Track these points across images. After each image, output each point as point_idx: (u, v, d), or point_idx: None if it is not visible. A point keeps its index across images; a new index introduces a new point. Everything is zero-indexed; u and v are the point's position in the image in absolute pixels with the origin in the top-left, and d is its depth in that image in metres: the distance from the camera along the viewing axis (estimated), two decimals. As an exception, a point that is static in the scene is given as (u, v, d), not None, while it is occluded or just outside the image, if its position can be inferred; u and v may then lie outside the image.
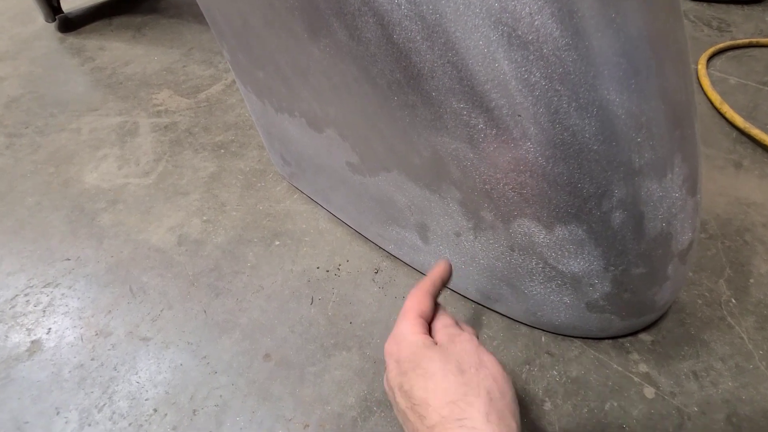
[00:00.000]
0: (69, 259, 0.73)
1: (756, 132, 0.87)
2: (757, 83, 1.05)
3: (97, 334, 0.63)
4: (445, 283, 0.43)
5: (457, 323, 0.40)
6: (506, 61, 0.37)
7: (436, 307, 0.41)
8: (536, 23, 0.35)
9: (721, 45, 1.16)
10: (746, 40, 1.17)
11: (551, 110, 0.38)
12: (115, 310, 0.66)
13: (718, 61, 1.13)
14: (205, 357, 0.60)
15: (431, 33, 0.38)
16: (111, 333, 0.63)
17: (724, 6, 1.36)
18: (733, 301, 0.64)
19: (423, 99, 0.42)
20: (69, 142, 0.95)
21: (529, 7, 0.35)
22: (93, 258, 0.72)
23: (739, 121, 0.91)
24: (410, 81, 0.42)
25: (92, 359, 0.60)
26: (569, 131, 0.39)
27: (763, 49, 1.17)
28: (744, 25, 1.27)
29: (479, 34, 0.36)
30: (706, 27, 1.27)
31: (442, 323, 0.39)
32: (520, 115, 0.39)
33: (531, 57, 0.36)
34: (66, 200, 0.83)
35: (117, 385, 0.57)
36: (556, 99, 0.37)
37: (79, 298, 0.67)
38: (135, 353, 0.61)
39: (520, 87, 0.37)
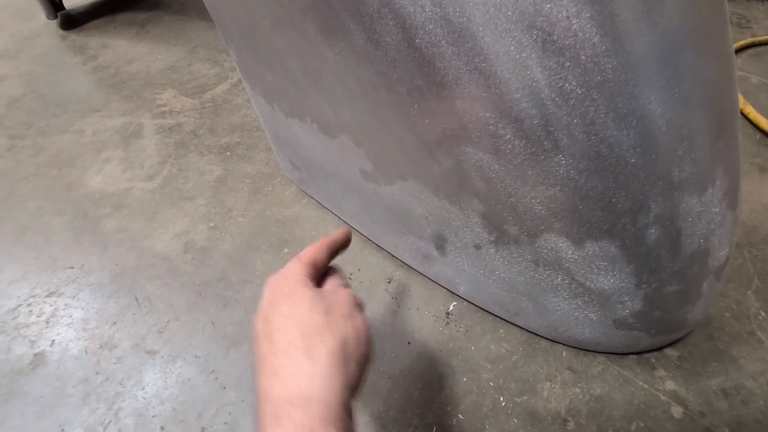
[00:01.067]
0: (72, 267, 0.71)
1: (782, 134, 0.84)
2: (780, 82, 1.01)
3: (101, 347, 0.61)
4: (345, 246, 0.44)
5: (347, 285, 0.41)
6: (539, 69, 0.34)
7: (330, 268, 0.42)
8: (574, 27, 0.32)
9: (742, 42, 1.12)
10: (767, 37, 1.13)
11: (587, 121, 0.35)
12: (121, 321, 0.64)
13: (738, 59, 1.09)
14: (213, 371, 0.58)
15: (458, 37, 0.35)
16: (116, 345, 0.61)
17: (744, 2, 1.31)
18: (763, 313, 0.61)
19: (446, 107, 0.39)
20: (71, 144, 0.93)
21: (567, 10, 0.32)
22: (97, 266, 0.70)
23: (764, 122, 0.87)
24: (432, 88, 0.39)
25: (97, 373, 0.58)
26: (605, 143, 0.36)
27: (786, 47, 1.13)
28: (765, 21, 1.22)
29: (511, 39, 0.33)
30: (726, 23, 1.23)
31: (332, 280, 0.40)
32: (552, 126, 0.36)
33: (567, 64, 0.33)
34: (69, 205, 0.80)
35: (123, 401, 0.56)
36: (592, 109, 0.35)
37: (83, 309, 0.65)
38: (141, 367, 0.59)
39: (553, 96, 0.35)
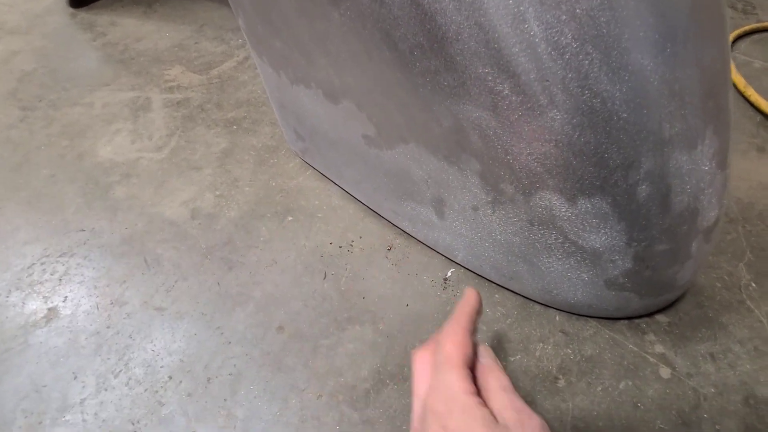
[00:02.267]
0: (84, 230, 0.73)
1: (782, 116, 0.85)
2: (783, 67, 1.02)
3: (112, 303, 0.63)
4: (479, 314, 0.37)
5: (511, 384, 0.32)
6: (536, 22, 0.35)
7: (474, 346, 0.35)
8: (570, -19, 0.34)
9: (747, 27, 1.12)
10: (773, 23, 1.13)
11: (581, 75, 0.37)
12: (130, 280, 0.66)
13: (743, 44, 1.10)
14: (219, 327, 0.60)
15: (459, -8, 0.36)
16: (126, 302, 0.63)
17: (750, -13, 1.31)
18: (753, 285, 0.63)
19: (446, 64, 0.41)
20: (82, 116, 0.95)
21: (564, -37, 0.33)
22: (107, 230, 0.73)
23: (764, 104, 0.88)
24: (434, 45, 0.40)
25: (108, 327, 0.61)
26: (599, 98, 0.37)
27: (791, 32, 1.13)
28: (771, 7, 1.22)
29: (509, -8, 0.35)
30: (731, 9, 1.23)
31: (496, 380, 0.31)
32: (548, 80, 0.37)
33: (563, 17, 0.35)
34: (80, 173, 0.83)
35: (133, 353, 0.58)
36: (587, 63, 0.36)
37: (94, 268, 0.68)
38: (150, 322, 0.61)
39: (549, 50, 0.36)
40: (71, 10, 1.31)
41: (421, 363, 0.34)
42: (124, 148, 0.87)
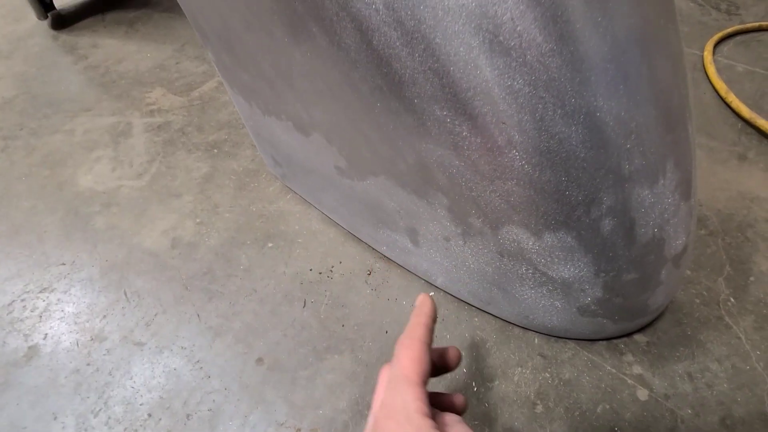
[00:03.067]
0: (64, 264, 0.73)
1: (762, 122, 0.85)
2: (765, 70, 1.01)
3: (92, 339, 0.64)
4: (434, 322, 0.36)
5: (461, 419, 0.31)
6: (489, 68, 0.35)
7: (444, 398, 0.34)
8: (518, 29, 0.33)
9: (729, 30, 1.11)
10: (756, 24, 1.13)
11: (536, 118, 0.37)
12: (110, 314, 0.66)
13: (725, 47, 1.09)
14: (198, 361, 0.60)
15: (411, 39, 0.36)
16: (106, 338, 0.64)
17: (733, -13, 1.30)
18: (732, 300, 0.63)
19: (405, 106, 0.41)
20: (63, 144, 0.95)
21: (511, 12, 0.33)
22: (88, 262, 0.73)
23: (745, 111, 0.88)
24: (392, 87, 0.40)
25: (88, 364, 0.61)
26: (555, 138, 0.37)
27: (773, 33, 1.12)
28: (754, 7, 1.22)
29: (460, 40, 0.35)
30: (714, 10, 1.22)
31: (451, 417, 0.30)
32: (504, 123, 0.37)
33: (514, 64, 0.35)
34: (61, 203, 0.83)
35: (112, 390, 0.58)
36: (540, 106, 0.36)
37: (74, 303, 0.68)
38: (130, 358, 0.61)
39: (503, 94, 0.36)
40: (53, 32, 1.31)
41: (381, 377, 0.33)
42: (105, 176, 0.87)
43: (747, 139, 0.86)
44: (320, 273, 0.69)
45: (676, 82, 0.39)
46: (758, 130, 0.86)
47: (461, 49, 0.35)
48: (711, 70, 1.00)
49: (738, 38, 1.13)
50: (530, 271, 0.49)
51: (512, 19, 0.33)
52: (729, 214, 0.73)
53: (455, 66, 0.36)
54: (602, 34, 0.34)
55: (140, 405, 0.57)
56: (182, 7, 0.59)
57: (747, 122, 0.88)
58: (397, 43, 0.37)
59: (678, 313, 0.62)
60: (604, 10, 0.34)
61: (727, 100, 0.93)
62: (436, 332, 0.61)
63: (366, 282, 0.68)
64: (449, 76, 0.37)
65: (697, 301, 0.63)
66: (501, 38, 0.34)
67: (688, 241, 0.48)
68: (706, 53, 1.05)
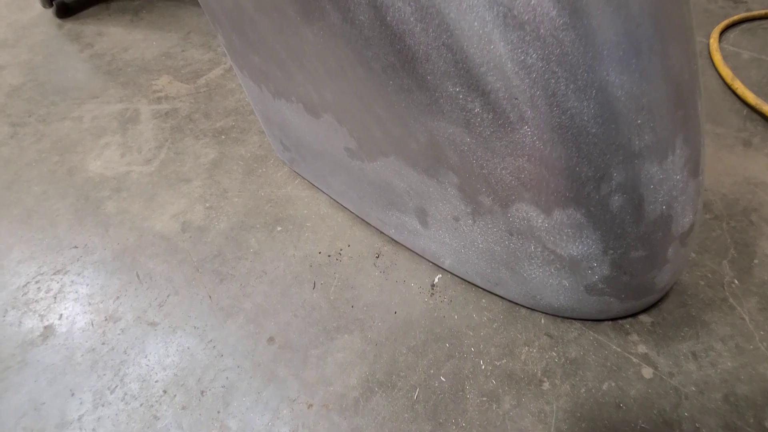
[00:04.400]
0: (77, 247, 0.74)
1: (767, 109, 0.85)
2: (771, 57, 1.01)
3: (106, 320, 0.65)
4: None
5: None
6: (502, 43, 0.36)
7: None
8: (533, 2, 0.34)
9: (736, 17, 1.11)
10: (762, 12, 1.12)
11: (549, 93, 0.37)
12: (123, 295, 0.67)
13: (731, 35, 1.09)
14: (211, 341, 0.62)
15: (425, 14, 0.37)
16: (120, 318, 0.65)
17: (740, -25, 1.30)
18: (736, 282, 0.64)
19: (418, 83, 0.42)
20: (72, 130, 0.96)
21: (526, -15, 0.33)
22: (100, 245, 0.74)
23: (751, 97, 0.88)
24: (405, 65, 0.41)
25: (103, 343, 0.62)
26: (567, 114, 0.38)
27: (780, 21, 1.12)
28: (761, -6, 1.21)
29: (474, 14, 0.35)
30: (721, -2, 1.22)
31: None
32: (516, 99, 0.38)
33: (527, 38, 0.35)
34: (71, 189, 0.84)
35: (128, 368, 0.59)
36: (553, 81, 0.37)
37: (88, 285, 0.69)
38: (144, 337, 0.62)
39: (516, 69, 0.37)
40: (58, 20, 1.31)
41: None
42: (114, 162, 0.88)
43: (752, 125, 0.86)
44: (329, 256, 0.70)
45: (687, 59, 0.40)
46: (763, 117, 0.87)
47: (475, 23, 0.35)
48: (717, 57, 0.99)
49: (744, 26, 1.12)
50: (539, 250, 0.49)
51: (526, -7, 0.34)
52: (734, 198, 0.74)
53: (469, 41, 0.36)
54: (616, 7, 0.34)
55: (155, 382, 0.58)
56: (193, -10, 0.60)
57: (753, 108, 0.89)
58: (411, 19, 0.37)
59: (683, 295, 0.63)
60: (618, -16, 0.34)
61: (732, 86, 0.93)
62: (444, 313, 0.62)
63: (374, 264, 0.69)
64: (462, 51, 0.37)
65: (702, 283, 0.64)
66: (515, 12, 0.34)
67: (695, 219, 0.48)
68: (712, 40, 1.04)
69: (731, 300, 0.62)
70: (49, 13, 1.32)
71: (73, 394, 0.57)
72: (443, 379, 0.56)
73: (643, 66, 0.37)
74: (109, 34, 1.24)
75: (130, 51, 1.17)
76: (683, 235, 0.48)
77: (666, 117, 0.40)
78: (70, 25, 1.29)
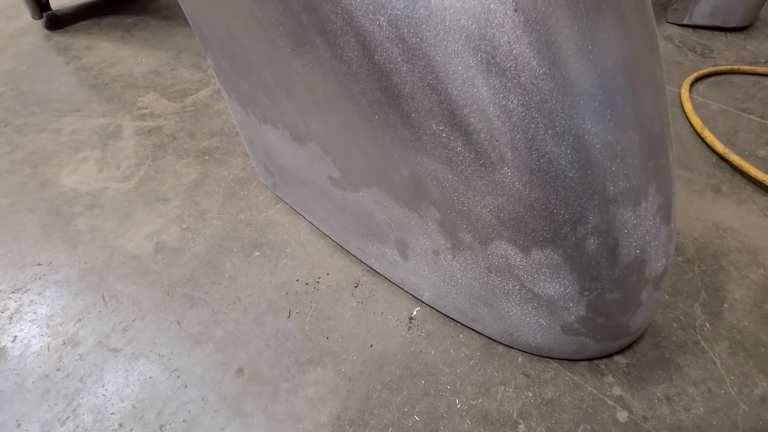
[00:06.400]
0: (40, 264, 0.71)
1: (735, 158, 0.90)
2: (737, 109, 1.08)
3: (64, 344, 0.61)
4: None
5: None
6: (485, 87, 0.37)
7: None
8: (514, 52, 0.35)
9: (704, 71, 1.19)
10: (728, 67, 1.21)
11: (528, 137, 0.38)
12: (86, 318, 0.64)
13: (700, 86, 1.16)
14: (175, 370, 0.58)
15: (412, 56, 0.38)
16: (79, 342, 0.61)
17: (708, 32, 1.40)
18: (708, 325, 0.65)
19: (403, 119, 0.42)
20: (49, 142, 0.93)
21: (508, 35, 0.35)
22: (65, 263, 0.71)
23: (719, 146, 0.93)
24: (391, 101, 0.42)
25: (58, 370, 0.58)
26: (546, 158, 0.39)
27: (743, 76, 1.20)
28: (726, 51, 1.30)
29: (459, 59, 0.36)
30: (690, 52, 1.30)
31: None
32: (497, 140, 0.39)
33: (509, 84, 0.36)
34: (41, 202, 0.81)
35: (82, 398, 0.56)
36: (533, 126, 0.38)
37: (48, 305, 0.65)
38: (103, 364, 0.59)
39: (497, 113, 0.38)
40: (47, 32, 1.30)
41: None
42: (90, 177, 0.85)
43: (721, 172, 0.91)
44: (307, 284, 0.69)
45: (659, 111, 0.42)
46: (731, 165, 0.91)
47: (460, 67, 0.37)
48: (688, 106, 1.05)
49: (712, 79, 1.20)
50: (517, 287, 0.50)
51: (509, 42, 0.35)
52: (704, 242, 0.76)
53: (453, 83, 0.37)
54: (593, 61, 0.36)
55: (111, 414, 0.54)
56: (185, 13, 0.60)
57: (721, 157, 0.93)
58: (399, 59, 0.38)
59: (657, 337, 0.63)
60: (595, 40, 0.36)
61: (702, 135, 0.98)
62: (421, 347, 0.61)
63: (352, 294, 0.68)
64: (447, 92, 0.38)
65: (675, 325, 0.65)
66: (498, 59, 0.36)
67: (667, 264, 0.49)
68: (683, 91, 1.11)
69: (703, 343, 0.63)
70: (39, 24, 1.31)
71: (19, 425, 0.53)
72: (417, 418, 0.55)
73: (617, 116, 0.39)
74: (99, 49, 1.23)
75: (118, 66, 1.16)
76: (656, 279, 0.49)
77: (639, 165, 0.41)
78: (59, 37, 1.29)
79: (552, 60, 0.36)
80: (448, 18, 0.35)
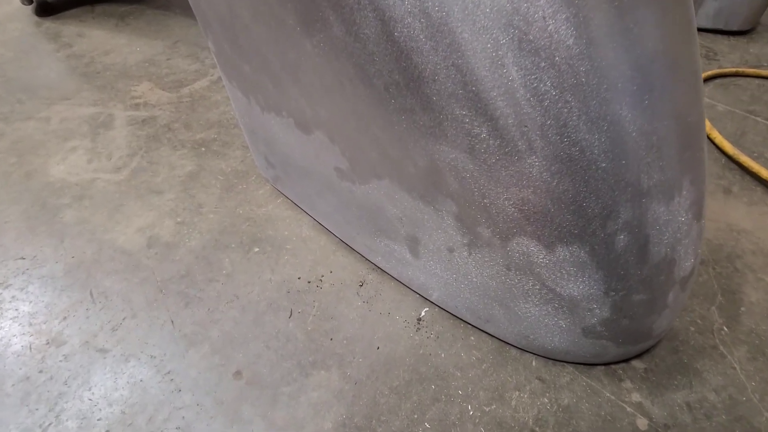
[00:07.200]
0: (24, 258, 0.66)
1: (744, 159, 0.88)
2: (743, 111, 1.07)
3: (48, 343, 0.57)
4: None
5: None
6: (515, 68, 0.34)
7: None
8: (549, 28, 0.32)
9: (710, 72, 1.18)
10: (733, 69, 1.20)
11: (560, 123, 0.35)
12: (72, 316, 0.60)
13: (707, 88, 1.15)
14: (168, 372, 0.55)
15: (436, 32, 0.35)
16: (64, 342, 0.57)
17: (711, 35, 1.39)
18: (725, 329, 0.62)
19: (422, 103, 0.39)
20: (36, 131, 0.89)
21: (543, 10, 0.32)
22: (51, 258, 0.66)
23: (729, 147, 0.91)
24: (410, 83, 0.38)
25: (40, 371, 0.54)
26: (577, 146, 0.36)
27: (748, 79, 1.19)
28: (730, 54, 1.30)
29: (488, 36, 0.33)
30: (695, 54, 1.29)
31: None
32: (526, 126, 0.36)
33: (542, 64, 0.33)
34: (27, 193, 0.76)
35: (66, 402, 0.51)
36: (566, 111, 0.35)
37: (31, 302, 0.61)
38: (90, 366, 0.55)
39: (528, 96, 0.35)
40: (37, 18, 1.25)
41: None
42: (79, 167, 0.81)
43: (731, 174, 0.89)
44: (309, 282, 0.65)
45: (695, 100, 0.39)
46: (741, 166, 0.90)
47: (489, 45, 0.34)
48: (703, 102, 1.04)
49: (717, 81, 1.19)
50: (537, 287, 0.47)
51: (544, 17, 0.32)
52: (719, 244, 0.74)
53: (480, 63, 0.34)
54: (633, 41, 0.33)
55: (98, 420, 0.50)
56: (185, -7, 0.57)
57: (730, 158, 0.92)
58: (421, 36, 0.35)
59: (674, 341, 0.61)
60: (635, 18, 0.33)
61: (711, 136, 0.96)
62: (430, 350, 0.58)
63: (357, 294, 0.64)
64: (473, 73, 0.35)
65: (692, 329, 0.62)
66: (530, 37, 0.33)
67: (695, 263, 0.47)
68: (690, 92, 1.09)
69: (721, 348, 0.60)
70: (28, 9, 1.26)
71: (-5, 433, 0.49)
72: (428, 425, 0.51)
73: (655, 103, 0.36)
74: (91, 36, 1.19)
75: (111, 55, 1.12)
76: (684, 279, 0.47)
77: (675, 157, 0.39)
78: (49, 23, 1.24)
79: (589, 38, 0.33)
80: (479, -10, 0.32)
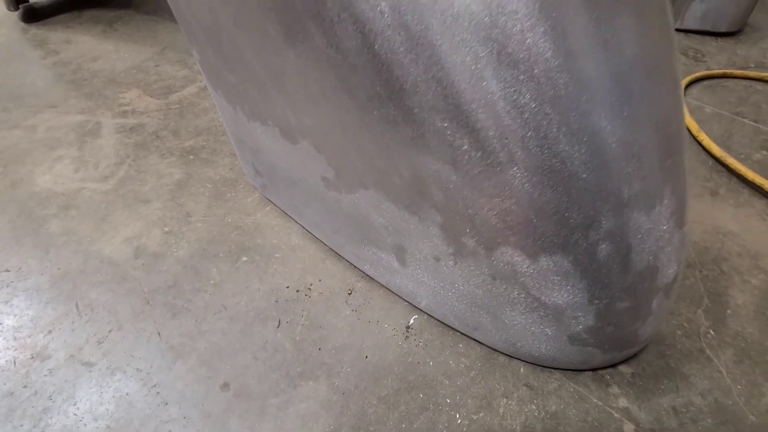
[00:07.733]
0: (8, 270, 0.65)
1: (731, 161, 0.89)
2: (730, 113, 1.08)
3: (33, 358, 0.56)
4: None
5: None
6: (495, 80, 0.34)
7: None
8: (528, 41, 0.33)
9: (698, 74, 1.19)
10: (720, 71, 1.21)
11: (540, 134, 0.35)
12: (57, 329, 0.59)
13: (694, 90, 1.16)
14: (155, 386, 0.54)
15: (415, 45, 0.35)
16: (49, 356, 0.56)
17: (699, 37, 1.41)
18: (712, 332, 0.63)
19: (405, 115, 0.39)
20: (21, 140, 0.88)
21: (521, 23, 0.32)
22: (36, 269, 0.66)
23: (716, 150, 0.92)
24: (392, 95, 0.38)
25: (25, 386, 0.53)
26: (558, 157, 0.36)
27: (736, 81, 1.20)
28: (717, 56, 1.31)
29: (467, 49, 0.33)
30: (683, 56, 1.30)
31: None
32: (507, 138, 0.36)
33: (521, 77, 0.34)
34: (12, 203, 0.75)
35: (51, 418, 0.51)
36: (545, 123, 0.35)
37: (15, 315, 0.60)
38: (75, 380, 0.54)
39: (508, 108, 0.35)
40: (23, 24, 1.24)
41: None
42: (66, 176, 0.80)
43: (718, 176, 0.90)
44: (297, 291, 0.65)
45: (676, 108, 0.40)
46: (728, 169, 0.90)
47: (468, 58, 0.34)
48: (684, 109, 1.05)
49: (705, 82, 1.20)
50: (522, 296, 0.47)
51: (522, 30, 0.32)
52: (705, 246, 0.75)
53: (460, 76, 0.35)
54: (611, 53, 0.34)
55: (82, 435, 0.50)
56: (169, 3, 0.56)
57: (717, 160, 0.92)
58: (401, 49, 0.35)
59: (661, 345, 0.61)
60: (614, 29, 0.33)
61: (698, 138, 0.97)
62: (419, 358, 0.58)
63: (346, 302, 0.64)
64: (453, 86, 0.35)
65: (679, 332, 0.63)
66: (509, 50, 0.33)
67: (678, 270, 0.47)
68: (677, 94, 1.10)
69: (708, 351, 0.61)
70: (14, 16, 1.25)
71: (-23, 450, 0.48)
72: (416, 434, 0.51)
73: (634, 113, 0.36)
74: (78, 43, 1.18)
75: (99, 61, 1.11)
76: (667, 286, 0.47)
77: (655, 166, 0.39)
78: (35, 30, 1.22)
79: (568, 50, 0.33)
80: (457, 3, 0.32)
